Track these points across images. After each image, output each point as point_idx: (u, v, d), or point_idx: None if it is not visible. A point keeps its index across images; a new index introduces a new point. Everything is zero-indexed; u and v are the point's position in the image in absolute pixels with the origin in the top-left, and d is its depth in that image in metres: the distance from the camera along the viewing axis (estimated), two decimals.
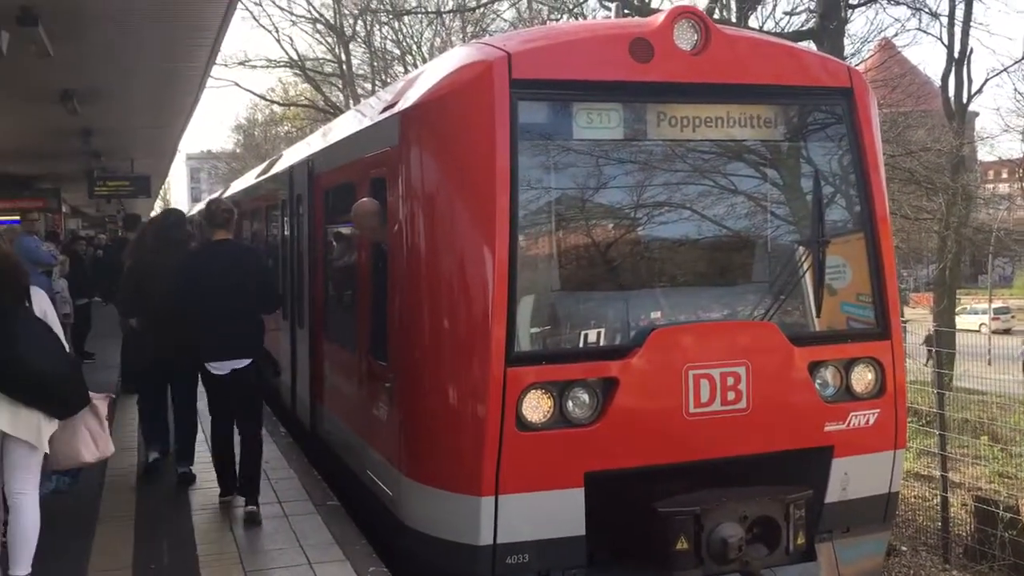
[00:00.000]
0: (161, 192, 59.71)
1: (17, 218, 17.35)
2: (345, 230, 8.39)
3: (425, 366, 6.19)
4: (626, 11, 16.87)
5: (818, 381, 6.46)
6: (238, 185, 19.68)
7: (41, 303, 5.87)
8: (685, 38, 6.25)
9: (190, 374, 8.24)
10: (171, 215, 9.27)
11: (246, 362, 7.42)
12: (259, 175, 15.24)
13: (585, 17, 25.68)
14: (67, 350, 5.94)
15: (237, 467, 7.75)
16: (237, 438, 7.81)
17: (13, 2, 8.70)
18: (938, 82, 31.14)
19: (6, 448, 5.60)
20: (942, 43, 29.55)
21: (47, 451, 5.70)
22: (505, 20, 31.44)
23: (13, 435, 5.51)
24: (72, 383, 5.74)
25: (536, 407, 5.83)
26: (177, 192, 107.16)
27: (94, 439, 6.04)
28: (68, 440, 5.89)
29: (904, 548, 12.08)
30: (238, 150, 63.01)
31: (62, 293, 13.29)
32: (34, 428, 5.54)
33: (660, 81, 6.21)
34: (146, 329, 8.61)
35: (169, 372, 8.57)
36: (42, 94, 13.63)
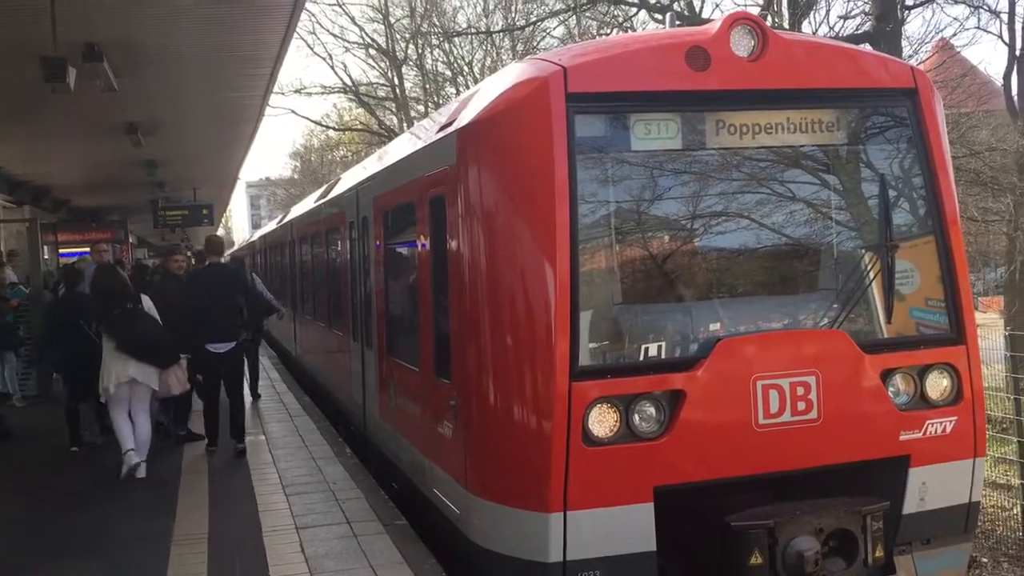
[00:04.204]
0: (223, 220, 60.95)
1: (87, 250, 17.83)
2: (408, 250, 8.45)
3: (489, 383, 6.17)
4: (678, 22, 16.72)
5: (891, 389, 6.31)
6: (299, 209, 19.97)
7: (148, 303, 10.04)
8: (742, 45, 6.18)
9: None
10: (138, 263, 15.98)
11: (232, 344, 10.83)
12: (319, 199, 15.46)
13: (635, 31, 25.60)
14: (165, 332, 9.95)
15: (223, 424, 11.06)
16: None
17: (79, 39, 8.97)
18: (1000, 81, 30.35)
19: (134, 387, 9.66)
20: (1003, 41, 28.75)
21: (156, 388, 9.81)
22: (555, 37, 31.46)
23: (138, 379, 9.58)
24: (167, 349, 9.85)
25: (602, 422, 5.78)
26: (238, 218, 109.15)
27: (179, 382, 10.05)
28: (166, 381, 9.85)
29: (985, 560, 11.70)
30: (296, 176, 63.97)
31: None
32: (150, 374, 9.66)
33: (718, 89, 6.14)
34: None
35: None
36: (108, 128, 14.04)
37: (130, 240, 32.94)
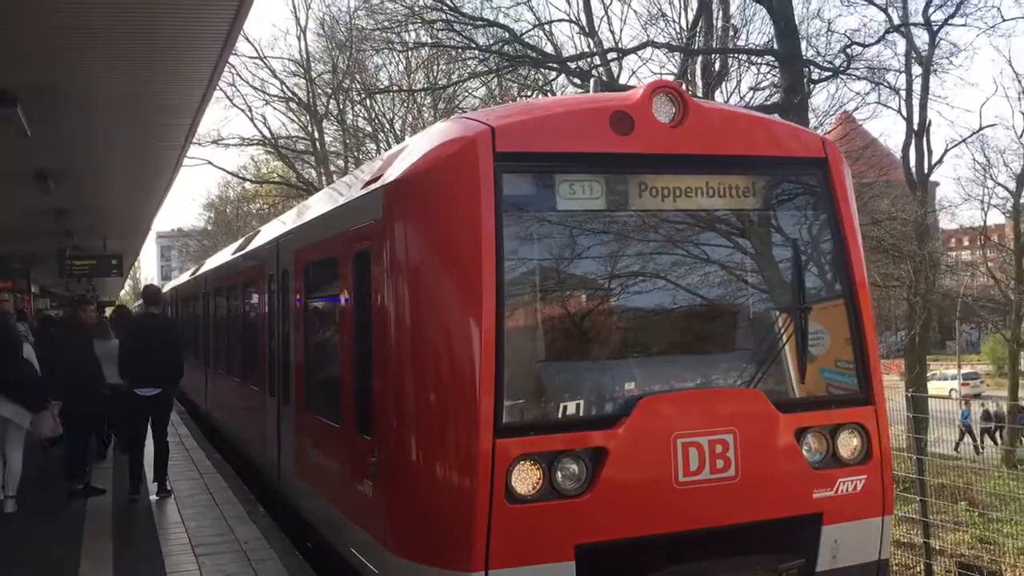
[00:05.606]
0: (132, 271, 59.28)
1: None
2: (330, 304, 8.37)
3: (412, 440, 6.12)
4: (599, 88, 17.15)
5: (805, 448, 6.46)
6: (214, 261, 19.60)
7: (28, 351, 10.73)
8: (663, 111, 6.39)
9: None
10: (43, 315, 16.16)
11: (160, 389, 11.17)
12: (236, 251, 15.21)
13: (555, 94, 26.17)
14: (39, 377, 10.55)
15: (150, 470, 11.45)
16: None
17: None
18: (899, 153, 31.99)
19: (8, 426, 10.25)
20: (901, 116, 30.46)
21: (28, 428, 10.42)
22: (476, 97, 31.95)
23: (11, 419, 10.17)
24: (39, 394, 10.39)
25: (525, 479, 5.77)
26: (148, 269, 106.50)
27: (49, 426, 10.55)
28: (38, 423, 10.43)
29: None
30: (209, 227, 62.83)
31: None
32: (23, 416, 10.23)
33: (640, 153, 6.32)
34: None
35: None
36: (16, 174, 13.61)
37: (32, 290, 31.80)
